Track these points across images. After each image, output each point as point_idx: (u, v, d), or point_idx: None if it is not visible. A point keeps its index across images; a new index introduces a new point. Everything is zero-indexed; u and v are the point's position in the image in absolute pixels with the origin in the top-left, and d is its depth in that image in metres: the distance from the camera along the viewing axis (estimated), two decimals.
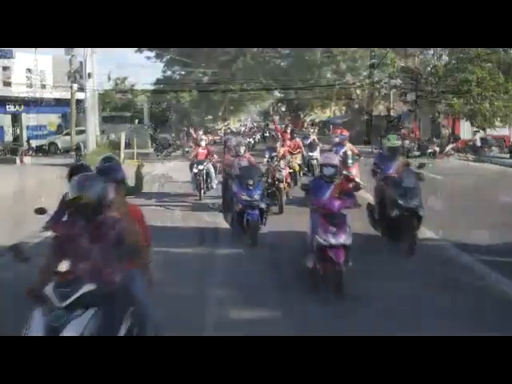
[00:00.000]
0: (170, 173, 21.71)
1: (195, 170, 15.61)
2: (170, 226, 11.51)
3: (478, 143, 30.69)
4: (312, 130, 26.08)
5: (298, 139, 18.60)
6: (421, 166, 9.97)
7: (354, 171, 13.80)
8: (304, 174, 18.50)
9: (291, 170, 15.39)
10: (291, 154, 16.34)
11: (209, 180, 16.05)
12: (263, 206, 10.16)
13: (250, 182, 10.08)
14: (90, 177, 4.34)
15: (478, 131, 31.84)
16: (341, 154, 13.46)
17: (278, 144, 14.72)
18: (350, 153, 14.21)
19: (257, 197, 10.05)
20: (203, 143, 16.48)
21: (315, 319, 6.32)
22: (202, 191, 15.64)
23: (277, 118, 22.80)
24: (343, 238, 7.07)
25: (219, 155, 17.17)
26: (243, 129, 36.84)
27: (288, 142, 17.33)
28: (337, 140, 15.62)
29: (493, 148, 30.23)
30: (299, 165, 17.49)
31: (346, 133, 15.84)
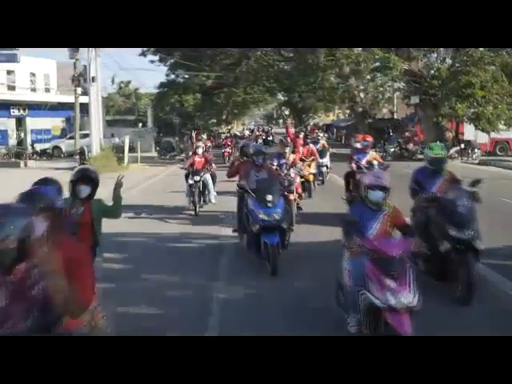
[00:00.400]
0: (171, 178, 20.20)
1: (190, 182, 13.74)
2: (156, 252, 10.07)
3: (462, 145, 31.01)
4: (321, 135, 23.81)
5: (311, 145, 16.59)
6: (476, 182, 7.60)
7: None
8: (318, 185, 17.01)
9: (303, 180, 14.07)
10: (303, 161, 14.78)
11: (206, 192, 14.23)
12: (285, 226, 8.58)
13: (269, 198, 8.46)
14: (4, 210, 3.03)
15: (462, 133, 32.30)
16: (363, 163, 12.12)
17: (288, 150, 13.07)
18: (375, 162, 12.09)
19: (277, 216, 8.41)
20: (200, 151, 14.39)
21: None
22: (198, 206, 13.74)
23: (289, 121, 20.42)
24: (408, 298, 4.90)
25: (218, 158, 16.95)
26: (247, 132, 35.71)
27: (300, 149, 15.57)
28: (358, 146, 13.36)
29: (476, 150, 30.52)
30: (313, 174, 15.74)
31: (369, 138, 13.56)
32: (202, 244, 10.75)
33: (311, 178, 15.30)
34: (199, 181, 13.72)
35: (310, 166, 15.31)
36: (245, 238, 9.24)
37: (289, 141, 14.87)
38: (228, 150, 30.01)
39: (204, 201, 14.22)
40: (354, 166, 12.35)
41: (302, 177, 13.86)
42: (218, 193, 15.17)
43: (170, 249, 10.32)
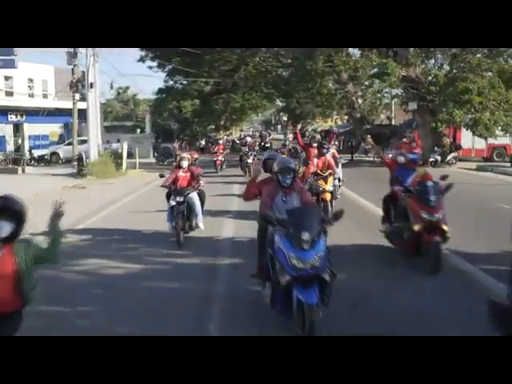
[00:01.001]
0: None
1: (172, 203, 11.01)
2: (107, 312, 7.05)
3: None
4: (332, 142, 18.82)
5: (328, 155, 13.27)
6: None
7: (440, 214, 8.57)
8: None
9: (316, 198, 11.83)
10: (318, 175, 12.51)
11: (192, 216, 11.31)
12: (327, 277, 5.81)
13: (306, 237, 5.78)
14: None
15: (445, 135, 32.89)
16: (409, 183, 9.20)
17: (297, 162, 10.84)
18: (430, 183, 8.80)
19: (316, 262, 5.77)
20: (185, 164, 11.49)
21: None
22: (182, 233, 10.84)
23: (299, 126, 16.05)
24: None
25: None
26: (249, 139, 33.69)
27: (315, 160, 13.00)
28: (401, 160, 9.88)
29: (451, 154, 31.27)
30: (331, 192, 12.69)
31: (418, 150, 10.26)
32: (183, 294, 7.66)
33: (328, 196, 12.48)
34: (183, 202, 11.00)
35: (326, 181, 12.55)
36: (268, 289, 6.55)
37: (298, 150, 12.26)
38: (220, 158, 28.37)
39: (189, 226, 11.35)
40: (399, 188, 9.33)
41: (315, 194, 11.80)
42: (209, 213, 12.77)
43: (129, 303, 7.35)
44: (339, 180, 15.06)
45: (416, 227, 8.50)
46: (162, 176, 11.84)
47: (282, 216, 6.30)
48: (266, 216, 6.42)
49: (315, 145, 13.89)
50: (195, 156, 13.04)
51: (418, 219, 8.52)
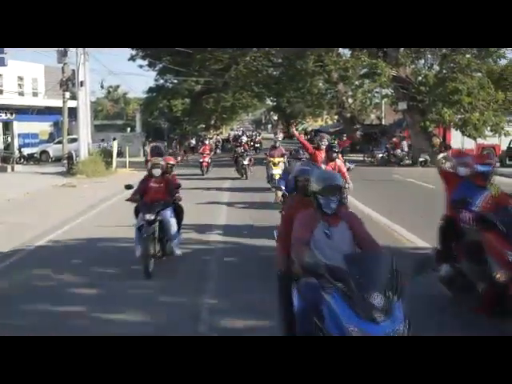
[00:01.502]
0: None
1: (141, 222, 8.68)
2: None
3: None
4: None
5: (338, 161, 10.91)
6: None
7: None
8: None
9: None
10: None
11: (166, 238, 8.97)
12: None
13: (378, 302, 3.61)
14: None
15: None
16: (479, 205, 6.50)
17: None
18: None
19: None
20: (157, 172, 9.15)
21: None
22: (152, 261, 8.51)
23: (301, 127, 13.85)
24: None
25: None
26: (245, 139, 32.20)
27: (323, 166, 10.26)
28: (465, 173, 6.77)
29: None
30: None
31: (490, 160, 6.87)
32: None
33: None
34: (155, 220, 8.65)
35: None
36: None
37: (301, 153, 11.02)
38: (207, 159, 27.16)
39: (163, 251, 8.95)
40: (468, 215, 6.55)
41: None
42: (191, 227, 10.84)
43: None
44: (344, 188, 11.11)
45: (499, 276, 5.74)
46: (129, 187, 9.39)
47: (326, 260, 4.16)
48: (307, 265, 4.02)
49: (324, 147, 11.48)
50: (171, 162, 10.09)
51: (502, 264, 5.78)
